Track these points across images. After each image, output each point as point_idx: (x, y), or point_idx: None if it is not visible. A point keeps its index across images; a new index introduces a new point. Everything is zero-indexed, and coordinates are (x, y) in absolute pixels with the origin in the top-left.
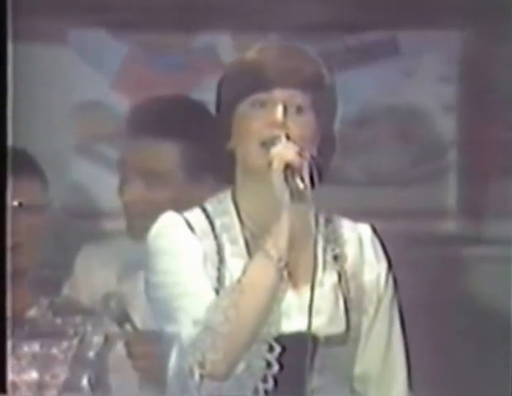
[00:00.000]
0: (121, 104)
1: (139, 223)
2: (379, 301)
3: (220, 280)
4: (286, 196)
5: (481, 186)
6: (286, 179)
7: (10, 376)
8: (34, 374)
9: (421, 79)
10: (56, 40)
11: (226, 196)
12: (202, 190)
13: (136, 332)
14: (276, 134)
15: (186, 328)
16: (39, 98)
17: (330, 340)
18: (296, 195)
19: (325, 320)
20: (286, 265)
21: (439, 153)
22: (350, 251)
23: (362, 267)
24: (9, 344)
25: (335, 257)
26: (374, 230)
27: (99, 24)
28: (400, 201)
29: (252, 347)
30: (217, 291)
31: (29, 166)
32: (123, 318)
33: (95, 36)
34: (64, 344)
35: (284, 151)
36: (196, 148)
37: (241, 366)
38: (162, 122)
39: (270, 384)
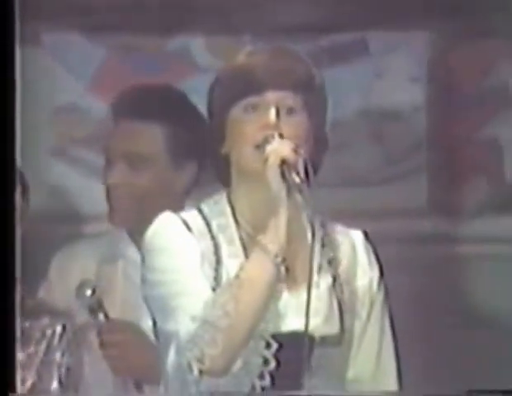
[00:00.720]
0: (98, 106)
1: (122, 206)
2: (371, 306)
3: (217, 279)
4: (283, 191)
5: (451, 185)
6: (282, 175)
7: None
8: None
9: (391, 79)
10: (31, 42)
11: (222, 198)
12: (186, 176)
13: (109, 322)
14: (269, 134)
15: (184, 325)
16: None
17: (325, 340)
18: (292, 190)
19: (321, 320)
20: (284, 260)
21: (411, 153)
22: (344, 255)
23: (356, 272)
24: None
25: (329, 261)
26: (366, 236)
27: (74, 26)
28: (374, 202)
29: (249, 344)
30: (215, 290)
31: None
32: (96, 306)
33: (70, 39)
34: (31, 349)
35: (279, 147)
36: (181, 134)
37: (238, 363)
38: (147, 107)
39: (267, 380)
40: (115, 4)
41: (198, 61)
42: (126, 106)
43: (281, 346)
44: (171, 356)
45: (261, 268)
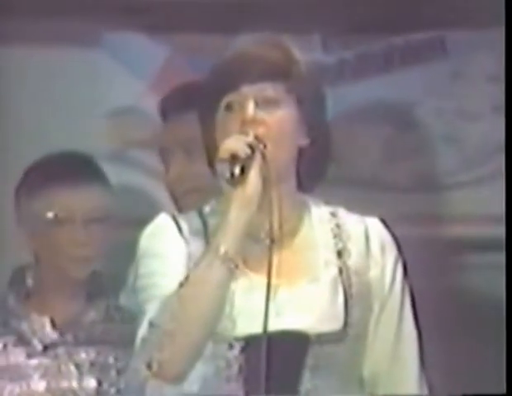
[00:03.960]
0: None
1: (187, 199)
2: (384, 298)
3: None
4: (224, 185)
5: None
6: (224, 169)
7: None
8: (92, 382)
9: (469, 79)
10: (90, 42)
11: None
12: None
13: None
14: (243, 132)
15: (142, 330)
16: (72, 103)
17: (324, 338)
18: (231, 183)
19: (318, 317)
20: (232, 258)
21: (489, 156)
22: (354, 246)
23: (368, 263)
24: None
25: (339, 253)
26: (383, 223)
27: (135, 26)
28: (448, 207)
29: (213, 347)
30: None
31: (90, 170)
32: None
33: (131, 39)
34: (120, 352)
35: (231, 142)
36: None
37: (210, 369)
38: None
39: (233, 384)
40: (179, 4)
41: None
42: (173, 101)
43: (273, 346)
44: (131, 363)
45: (208, 268)
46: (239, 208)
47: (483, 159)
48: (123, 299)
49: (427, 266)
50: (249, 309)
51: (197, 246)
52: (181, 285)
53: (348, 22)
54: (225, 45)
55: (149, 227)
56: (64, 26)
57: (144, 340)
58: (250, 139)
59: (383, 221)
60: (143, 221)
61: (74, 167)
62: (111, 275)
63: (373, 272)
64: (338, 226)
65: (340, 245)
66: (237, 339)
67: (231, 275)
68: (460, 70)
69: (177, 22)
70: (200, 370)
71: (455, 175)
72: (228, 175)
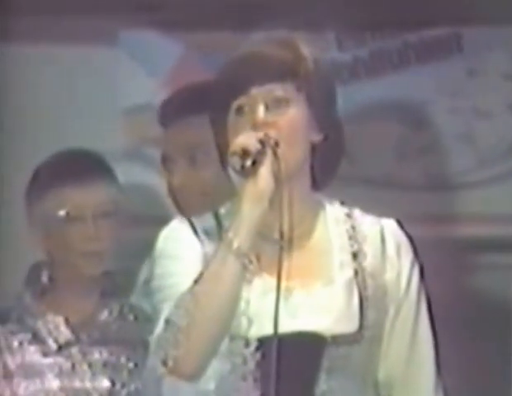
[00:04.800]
0: None
1: (190, 206)
2: (400, 300)
3: None
4: (236, 179)
5: None
6: (236, 163)
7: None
8: (105, 382)
9: (484, 77)
10: (106, 40)
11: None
12: None
13: None
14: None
15: (158, 329)
16: (86, 100)
17: (339, 340)
18: (242, 175)
19: (334, 319)
20: (247, 254)
21: (504, 155)
22: (370, 248)
23: (384, 265)
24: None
25: (354, 254)
26: (400, 225)
27: (151, 24)
28: (463, 206)
29: (229, 344)
30: None
31: (98, 167)
32: None
33: (146, 37)
34: (132, 352)
35: (242, 137)
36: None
37: (227, 366)
38: (196, 102)
39: (250, 382)
40: (193, 1)
41: None
42: (172, 106)
43: (288, 347)
44: (148, 362)
45: (222, 263)
46: (251, 202)
47: (497, 158)
48: (135, 299)
49: (438, 266)
50: (264, 311)
51: (212, 247)
52: (195, 281)
53: (362, 20)
54: (238, 43)
55: (166, 229)
56: (80, 25)
57: (159, 337)
58: (261, 134)
59: (399, 222)
60: (157, 219)
61: (82, 165)
62: (124, 274)
63: (389, 275)
64: (353, 227)
65: (356, 247)
66: (253, 339)
67: (245, 270)
68: (475, 68)
69: (191, 20)
70: (216, 368)
71: (469, 174)
72: (239, 167)
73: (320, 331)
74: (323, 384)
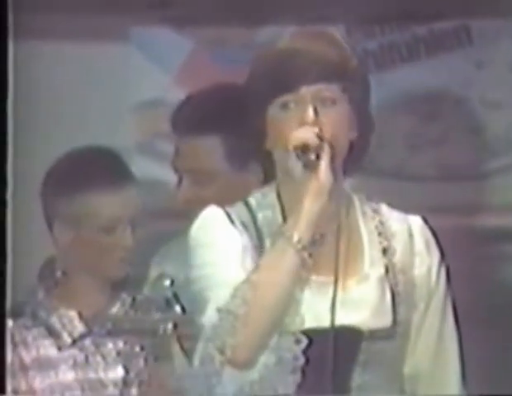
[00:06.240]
0: None
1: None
2: (430, 296)
3: None
4: (297, 171)
5: None
6: (298, 157)
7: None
8: (119, 371)
9: (493, 69)
10: (118, 37)
11: (271, 190)
12: (250, 178)
13: (186, 315)
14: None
15: (210, 317)
16: (99, 97)
17: (375, 334)
18: (308, 169)
19: (370, 314)
20: (306, 247)
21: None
22: (399, 244)
23: (413, 261)
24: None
25: (384, 250)
26: (425, 221)
27: (162, 20)
28: (471, 197)
29: (278, 339)
30: None
31: (122, 170)
32: (173, 298)
33: (157, 33)
34: (147, 342)
35: (301, 132)
36: (238, 136)
37: (272, 359)
38: (203, 117)
39: (298, 377)
40: None
41: None
42: (183, 122)
43: (330, 340)
44: (198, 350)
45: (281, 255)
46: (313, 197)
47: (508, 148)
48: (147, 290)
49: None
50: (312, 306)
51: (247, 237)
52: (252, 271)
53: (371, 13)
54: (249, 38)
55: (199, 218)
56: (92, 22)
57: (215, 326)
58: (317, 129)
59: (424, 219)
60: (169, 213)
61: (107, 168)
62: (137, 266)
63: (418, 270)
64: (381, 223)
65: (385, 243)
66: (302, 334)
67: (303, 264)
68: (484, 59)
69: (202, 16)
70: (261, 359)
71: (479, 165)
72: (303, 161)
73: (358, 325)
74: (358, 377)
